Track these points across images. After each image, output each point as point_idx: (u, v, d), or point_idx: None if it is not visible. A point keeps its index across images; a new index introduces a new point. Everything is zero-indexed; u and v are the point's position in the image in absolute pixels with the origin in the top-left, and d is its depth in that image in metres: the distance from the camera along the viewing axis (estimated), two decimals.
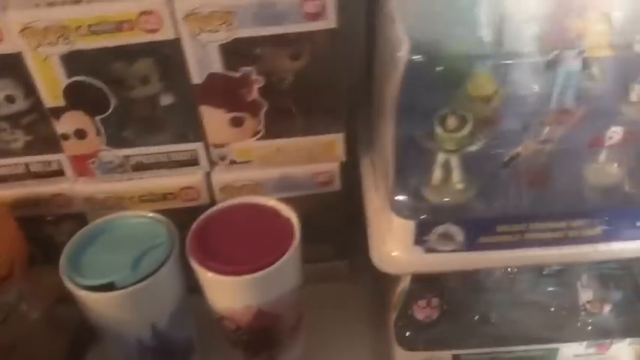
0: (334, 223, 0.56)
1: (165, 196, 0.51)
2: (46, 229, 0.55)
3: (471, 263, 0.42)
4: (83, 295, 0.42)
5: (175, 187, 0.51)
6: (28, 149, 0.49)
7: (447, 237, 0.42)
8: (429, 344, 0.50)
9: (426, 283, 0.50)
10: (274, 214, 0.47)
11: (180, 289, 0.47)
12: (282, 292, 0.46)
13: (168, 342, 0.47)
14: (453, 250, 0.42)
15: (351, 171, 0.53)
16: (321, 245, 0.57)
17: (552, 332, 0.51)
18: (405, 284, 0.49)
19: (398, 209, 0.41)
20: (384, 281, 0.54)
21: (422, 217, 0.41)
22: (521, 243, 0.42)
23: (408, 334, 0.50)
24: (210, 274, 0.43)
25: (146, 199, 0.51)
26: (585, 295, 0.51)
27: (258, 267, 0.43)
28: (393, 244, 0.43)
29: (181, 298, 0.47)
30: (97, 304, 0.43)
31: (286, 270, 0.45)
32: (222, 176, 0.51)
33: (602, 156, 0.42)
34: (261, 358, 0.50)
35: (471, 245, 0.42)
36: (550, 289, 0.52)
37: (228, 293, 0.44)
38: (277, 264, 0.43)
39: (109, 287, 0.42)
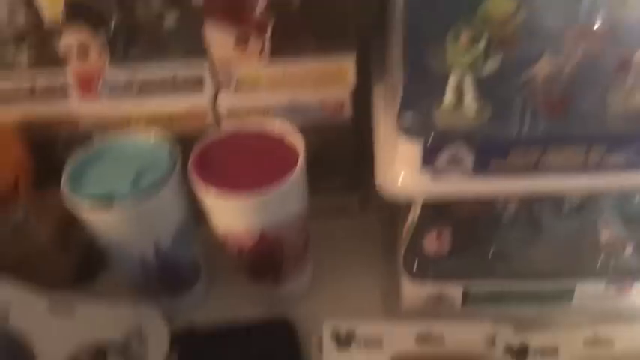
0: (345, 156, 0.54)
1: (171, 119, 0.50)
2: (57, 153, 0.54)
3: (480, 190, 0.40)
4: (84, 211, 0.42)
5: (181, 110, 0.49)
6: (33, 67, 0.49)
7: (456, 161, 0.39)
8: (439, 277, 0.49)
9: (437, 213, 0.48)
10: (279, 139, 0.46)
11: (183, 211, 0.46)
12: (286, 216, 0.45)
13: (173, 262, 0.47)
14: (462, 176, 0.40)
15: (363, 103, 0.51)
16: (330, 179, 0.56)
17: (569, 270, 0.49)
18: (414, 214, 0.48)
19: (405, 129, 0.39)
20: (394, 212, 0.53)
21: (430, 137, 0.38)
22: (535, 170, 0.39)
23: (417, 265, 0.49)
24: (212, 195, 0.42)
25: (152, 121, 0.50)
26: (607, 233, 0.49)
27: (261, 189, 0.41)
28: (400, 169, 0.41)
29: (184, 220, 0.46)
30: (98, 220, 0.43)
31: (290, 193, 0.43)
32: (228, 100, 0.49)
33: (629, 80, 0.39)
34: (265, 282, 0.50)
35: (481, 171, 0.39)
36: (569, 226, 0.50)
37: (230, 215, 0.44)
38: (281, 185, 0.42)
39: (108, 203, 0.41)
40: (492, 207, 0.50)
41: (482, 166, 0.39)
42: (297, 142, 0.45)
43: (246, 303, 0.52)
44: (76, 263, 0.53)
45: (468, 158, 0.39)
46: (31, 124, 0.51)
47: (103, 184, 0.42)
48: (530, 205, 0.50)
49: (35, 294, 0.47)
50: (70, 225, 0.51)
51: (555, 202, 0.50)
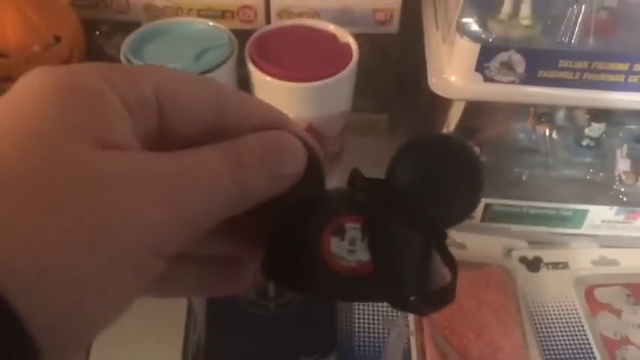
0: (384, 71, 0.56)
1: (223, 14, 0.51)
2: (98, 40, 0.55)
3: (527, 97, 0.43)
4: None
5: (234, 5, 0.51)
6: None
7: (508, 66, 0.42)
8: None
9: (468, 132, 0.51)
10: (332, 38, 0.47)
11: None
12: (334, 112, 0.46)
13: None
14: (512, 82, 0.42)
15: (408, 17, 0.53)
16: (363, 96, 0.58)
17: (584, 196, 0.52)
18: (448, 130, 0.50)
19: (464, 31, 0.41)
20: (425, 129, 0.55)
21: (488, 40, 0.41)
22: (580, 82, 0.42)
23: None
24: (268, 78, 0.44)
25: (204, 14, 0.51)
26: (623, 165, 0.52)
27: (317, 78, 0.43)
28: (453, 70, 0.43)
29: None
30: None
31: (342, 87, 0.45)
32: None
33: None
34: None
35: (530, 78, 0.42)
36: (587, 160, 0.53)
37: (283, 101, 0.45)
38: (336, 77, 0.43)
39: None
40: (518, 133, 0.53)
41: (532, 74, 0.42)
42: (350, 41, 0.46)
43: None
44: None
45: (520, 65, 0.42)
46: (84, 2, 0.51)
47: (164, 58, 0.43)
48: (552, 134, 0.53)
49: None
50: None
51: (576, 134, 0.53)
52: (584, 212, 0.52)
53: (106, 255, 0.15)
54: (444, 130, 0.50)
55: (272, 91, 0.45)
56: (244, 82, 0.47)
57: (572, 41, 0.42)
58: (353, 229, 0.20)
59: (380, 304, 0.45)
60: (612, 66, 0.41)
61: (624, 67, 0.41)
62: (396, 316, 0.46)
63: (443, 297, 0.21)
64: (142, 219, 0.16)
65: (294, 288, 0.22)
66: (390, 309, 0.45)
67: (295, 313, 0.46)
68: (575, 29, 0.42)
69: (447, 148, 0.22)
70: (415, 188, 0.21)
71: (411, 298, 0.20)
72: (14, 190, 0.15)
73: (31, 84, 0.16)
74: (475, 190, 0.22)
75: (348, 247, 0.20)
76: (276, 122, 0.21)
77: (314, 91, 0.44)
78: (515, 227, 0.53)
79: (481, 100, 0.44)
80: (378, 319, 0.45)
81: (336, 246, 0.20)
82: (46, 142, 0.15)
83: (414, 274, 0.21)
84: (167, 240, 0.17)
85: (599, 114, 0.51)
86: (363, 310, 0.46)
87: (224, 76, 0.44)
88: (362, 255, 0.20)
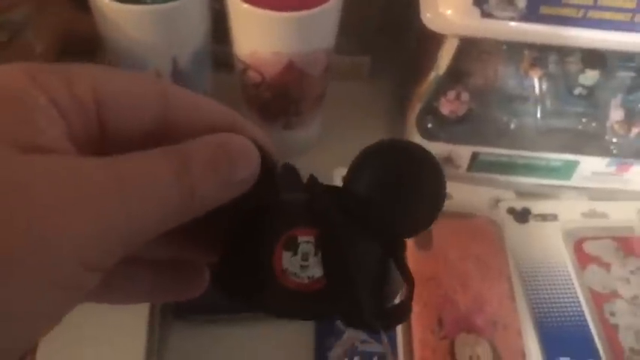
0: (367, 12, 0.52)
1: None
2: None
3: (526, 35, 0.40)
4: (107, 5, 0.38)
5: None
6: None
7: (508, 0, 0.39)
8: (450, 139, 0.49)
9: (458, 76, 0.48)
10: None
11: (206, 28, 0.43)
12: (316, 47, 0.43)
13: (187, 85, 0.44)
14: (511, 18, 0.39)
15: None
16: (344, 37, 0.54)
17: (575, 146, 0.50)
18: (438, 72, 0.47)
19: None
20: (411, 73, 0.52)
21: None
22: (584, 21, 0.39)
23: (430, 125, 0.49)
24: (246, 6, 0.39)
25: None
26: (616, 116, 0.50)
27: (300, 7, 0.39)
28: (449, 4, 0.39)
29: (205, 39, 0.44)
30: (121, 18, 0.39)
31: (327, 19, 0.41)
32: None
33: None
34: (275, 126, 0.48)
35: (530, 14, 0.39)
36: (578, 109, 0.51)
37: (261, 33, 0.41)
38: (322, 7, 0.40)
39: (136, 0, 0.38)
40: (510, 80, 0.50)
41: (533, 10, 0.39)
42: None
43: None
44: None
45: (521, 0, 0.39)
46: None
47: None
48: (543, 81, 0.50)
49: None
50: (72, 35, 0.47)
51: (568, 83, 0.50)
52: (575, 163, 0.50)
53: (27, 273, 0.14)
54: (433, 74, 0.47)
55: (250, 21, 0.41)
56: (219, 17, 0.43)
57: None
58: (306, 242, 0.20)
59: None
60: (620, 3, 0.38)
61: (631, 4, 0.38)
62: None
63: (399, 314, 0.20)
64: (69, 230, 0.14)
65: (247, 303, 0.20)
66: None
67: None
68: None
69: (408, 154, 0.21)
70: (375, 195, 0.20)
71: (366, 316, 0.19)
72: None
73: None
74: (437, 198, 0.21)
75: (300, 263, 0.19)
76: (229, 123, 0.19)
77: (297, 22, 0.40)
78: (502, 178, 0.51)
79: (477, 36, 0.41)
80: None
81: (288, 261, 0.19)
82: None
83: (369, 290, 0.20)
84: (100, 253, 0.16)
85: (593, 61, 0.49)
86: None
87: (195, 6, 0.40)
88: (315, 271, 0.19)
